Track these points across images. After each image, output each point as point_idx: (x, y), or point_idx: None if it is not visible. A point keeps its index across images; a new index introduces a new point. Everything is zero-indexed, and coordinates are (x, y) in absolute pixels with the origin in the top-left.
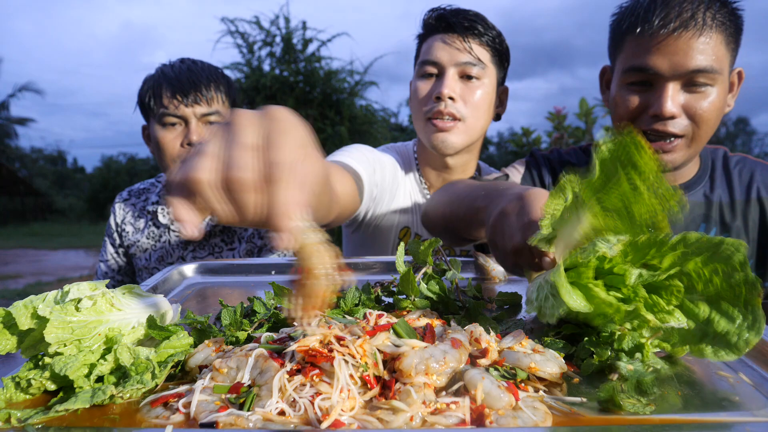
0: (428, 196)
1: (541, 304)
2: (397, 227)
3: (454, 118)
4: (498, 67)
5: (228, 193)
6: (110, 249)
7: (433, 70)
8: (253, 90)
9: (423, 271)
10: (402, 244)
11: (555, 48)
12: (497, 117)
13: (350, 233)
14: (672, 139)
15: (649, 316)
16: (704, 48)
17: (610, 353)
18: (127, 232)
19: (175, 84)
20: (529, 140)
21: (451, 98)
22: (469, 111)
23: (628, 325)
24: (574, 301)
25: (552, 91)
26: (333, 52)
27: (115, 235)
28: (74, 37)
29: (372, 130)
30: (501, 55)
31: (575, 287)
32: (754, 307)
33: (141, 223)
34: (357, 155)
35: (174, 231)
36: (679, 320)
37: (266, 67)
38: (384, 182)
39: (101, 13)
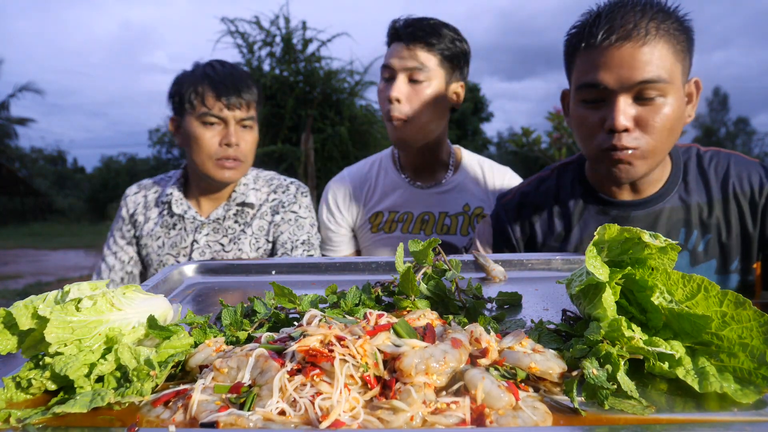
0: (407, 180)
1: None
2: (369, 213)
3: (402, 119)
4: (449, 69)
5: None
6: (120, 241)
7: (387, 74)
8: None
9: (423, 271)
10: (401, 245)
11: (555, 48)
12: (453, 110)
13: None
14: (630, 151)
15: (629, 333)
16: (649, 59)
17: (587, 351)
18: (140, 222)
19: (220, 87)
20: (529, 140)
21: (398, 100)
22: (414, 111)
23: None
24: (595, 269)
25: (552, 92)
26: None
27: (127, 226)
28: (74, 37)
29: (372, 130)
30: (453, 58)
31: (605, 266)
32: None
33: (153, 212)
34: (337, 240)
35: (187, 218)
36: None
37: (266, 67)
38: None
39: (101, 13)
